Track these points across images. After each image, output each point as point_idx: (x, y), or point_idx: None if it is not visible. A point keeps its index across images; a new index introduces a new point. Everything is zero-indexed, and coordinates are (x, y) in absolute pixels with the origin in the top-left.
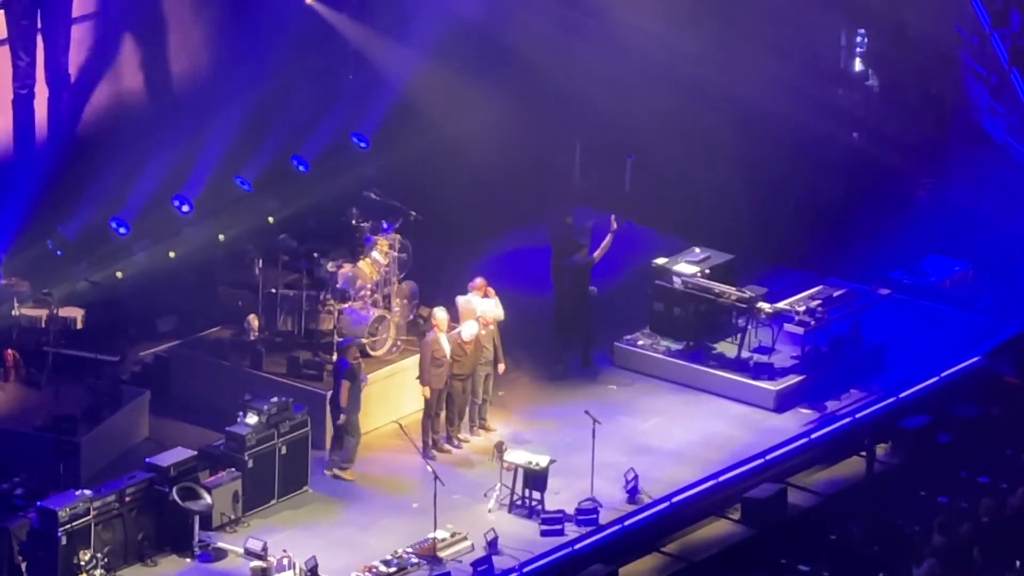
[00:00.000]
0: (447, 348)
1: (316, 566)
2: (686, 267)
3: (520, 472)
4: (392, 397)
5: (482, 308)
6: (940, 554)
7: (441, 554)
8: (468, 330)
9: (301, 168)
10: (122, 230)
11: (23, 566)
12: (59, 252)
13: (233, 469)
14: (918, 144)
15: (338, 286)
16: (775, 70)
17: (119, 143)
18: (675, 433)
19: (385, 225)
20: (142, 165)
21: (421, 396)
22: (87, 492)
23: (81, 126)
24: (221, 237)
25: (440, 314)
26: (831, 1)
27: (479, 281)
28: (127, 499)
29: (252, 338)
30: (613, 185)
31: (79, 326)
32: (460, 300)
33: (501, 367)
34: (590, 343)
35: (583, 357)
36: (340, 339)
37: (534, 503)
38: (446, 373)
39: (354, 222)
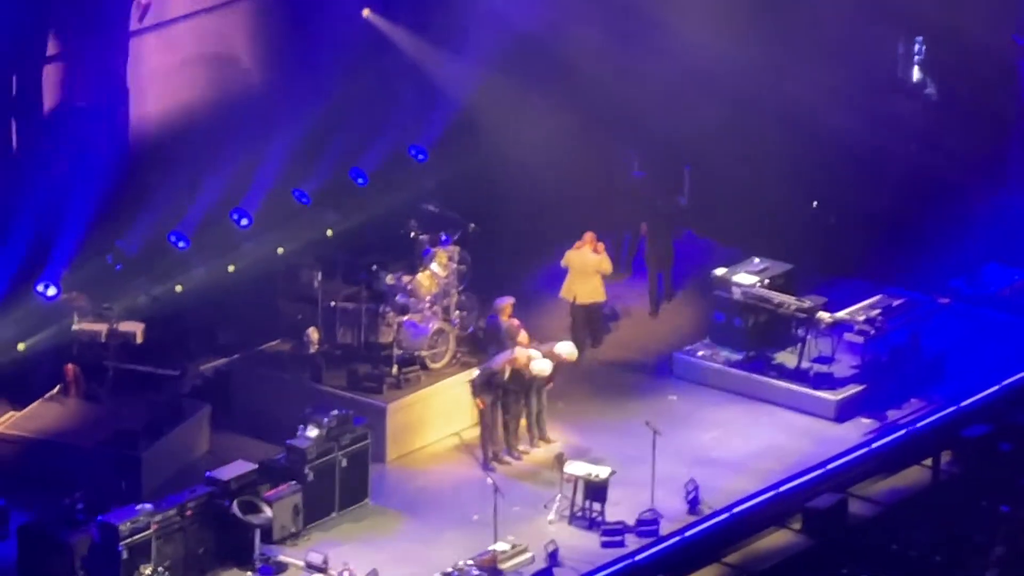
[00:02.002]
0: (507, 376)
1: None
2: (746, 277)
3: (580, 484)
4: (452, 409)
5: (566, 350)
6: (1002, 563)
7: (502, 566)
8: (543, 368)
9: (359, 181)
10: (181, 244)
11: None
12: (118, 267)
13: (294, 482)
14: (976, 153)
15: (397, 299)
16: (832, 80)
17: (177, 157)
18: (735, 444)
19: (444, 237)
20: (201, 179)
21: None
22: (148, 506)
23: (139, 141)
24: (280, 250)
25: (522, 355)
26: (888, 10)
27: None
28: (188, 513)
29: (312, 351)
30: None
31: (139, 340)
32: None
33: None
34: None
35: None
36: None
37: (594, 515)
38: (497, 389)
39: (413, 234)
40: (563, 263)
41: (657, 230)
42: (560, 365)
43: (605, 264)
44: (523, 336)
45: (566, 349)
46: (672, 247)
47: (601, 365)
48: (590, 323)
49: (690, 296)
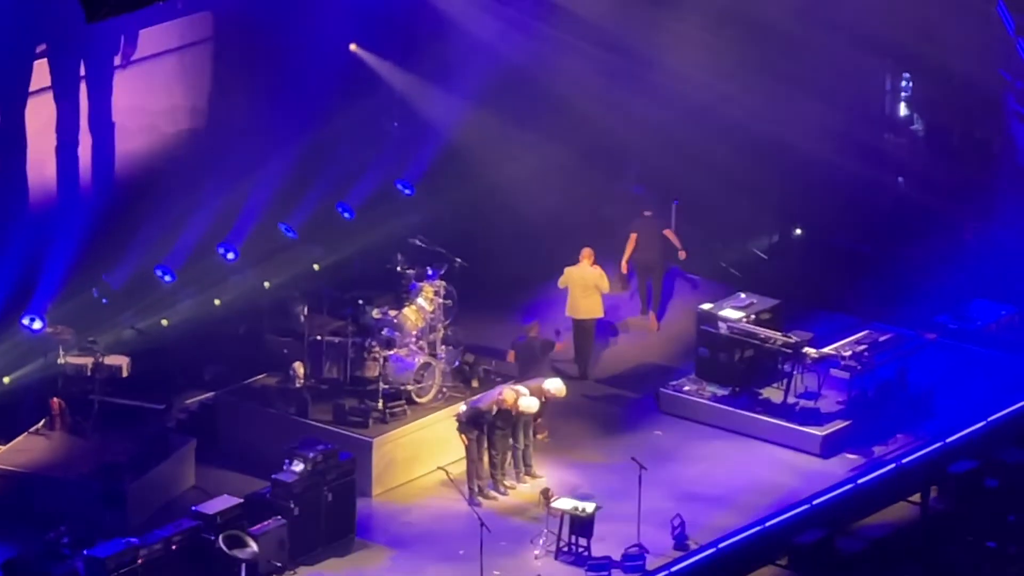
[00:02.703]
0: (494, 414)
1: None
2: (732, 312)
3: (566, 518)
4: (438, 444)
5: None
6: None
7: None
8: (530, 406)
9: (346, 215)
10: (167, 278)
11: None
12: (104, 300)
13: (279, 517)
14: (963, 188)
15: (383, 333)
16: (820, 115)
17: (164, 191)
18: (721, 479)
19: (430, 272)
20: (187, 213)
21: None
22: (133, 540)
23: (125, 174)
24: (266, 284)
25: (509, 398)
26: (876, 46)
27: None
28: (173, 547)
29: (298, 385)
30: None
31: (125, 374)
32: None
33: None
34: None
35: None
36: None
37: (581, 549)
38: (482, 426)
39: (399, 269)
40: (561, 282)
41: (647, 239)
42: (548, 401)
43: (603, 281)
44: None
45: (554, 386)
46: (661, 256)
47: (587, 400)
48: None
49: (676, 331)
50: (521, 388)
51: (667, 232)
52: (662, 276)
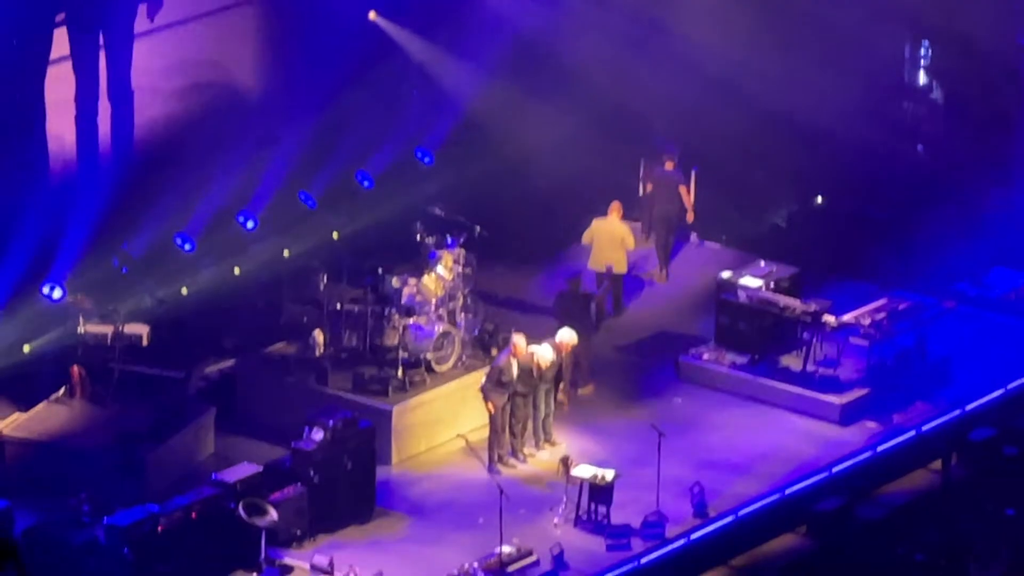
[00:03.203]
0: (515, 372)
1: None
2: (751, 280)
3: (586, 486)
4: (457, 412)
5: (565, 337)
6: (1006, 566)
7: (507, 569)
8: (545, 355)
9: (365, 184)
10: (187, 247)
11: None
12: (124, 269)
13: (299, 484)
14: (982, 156)
15: (403, 302)
16: (839, 84)
17: (183, 160)
18: (741, 446)
19: (449, 240)
20: (207, 182)
21: (486, 411)
22: (153, 508)
23: (145, 143)
24: (286, 253)
25: (520, 341)
26: (895, 15)
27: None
28: (193, 515)
29: (317, 354)
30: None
31: (144, 343)
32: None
33: (588, 388)
34: None
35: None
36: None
37: (600, 517)
38: (508, 390)
39: (419, 237)
40: (586, 237)
41: (664, 192)
42: (567, 359)
43: (630, 237)
44: (520, 347)
45: (565, 336)
46: (678, 211)
47: (607, 367)
48: (615, 292)
49: (696, 299)
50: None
51: (681, 189)
52: (675, 231)
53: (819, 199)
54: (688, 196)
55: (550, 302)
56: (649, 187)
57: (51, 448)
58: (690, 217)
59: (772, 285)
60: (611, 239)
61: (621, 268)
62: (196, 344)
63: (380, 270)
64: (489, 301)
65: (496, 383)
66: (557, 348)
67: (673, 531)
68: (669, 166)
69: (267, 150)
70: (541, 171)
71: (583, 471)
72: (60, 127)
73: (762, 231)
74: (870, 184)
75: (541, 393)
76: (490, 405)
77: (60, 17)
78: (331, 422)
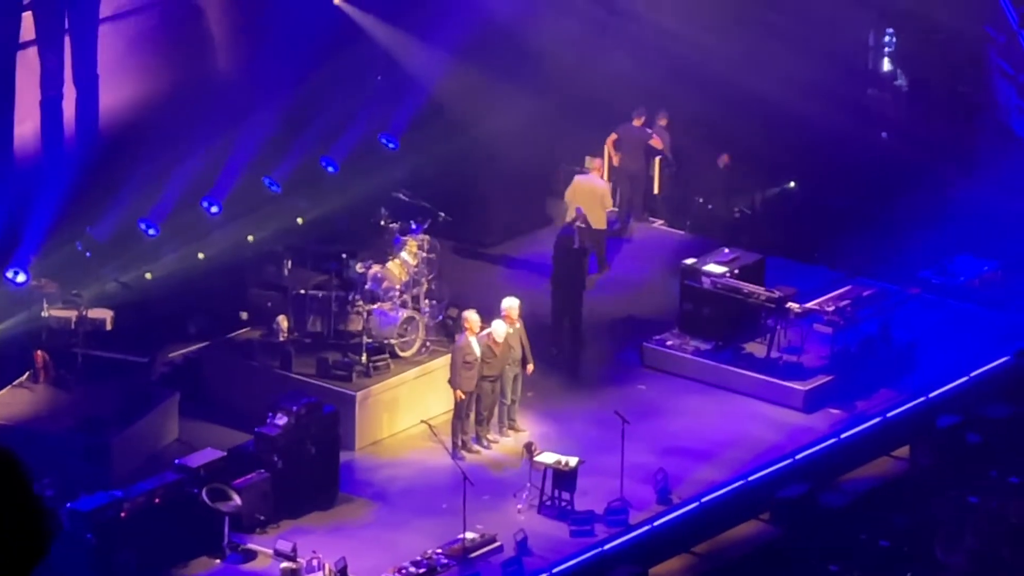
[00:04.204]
0: (478, 351)
1: (346, 567)
2: (715, 267)
3: (550, 473)
4: (421, 398)
5: (508, 304)
6: (969, 555)
7: (471, 555)
8: (498, 330)
9: (330, 169)
10: (151, 231)
11: None
12: (88, 254)
13: (263, 470)
14: (946, 143)
15: (367, 287)
16: (803, 70)
17: (148, 145)
18: (704, 433)
19: (414, 226)
20: (171, 167)
21: (450, 397)
22: (117, 493)
23: (109, 128)
24: (250, 238)
25: (472, 316)
26: (860, 1)
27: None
28: (157, 500)
29: (281, 339)
30: (630, 191)
31: (109, 327)
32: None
33: (530, 367)
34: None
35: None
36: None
37: (563, 503)
38: (476, 375)
39: (383, 223)
40: (568, 194)
41: (630, 147)
42: (519, 328)
43: (608, 198)
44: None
45: (506, 303)
46: (645, 168)
47: (570, 354)
48: (597, 251)
49: (660, 286)
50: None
51: (654, 140)
52: (641, 189)
53: (791, 184)
54: (660, 142)
55: (514, 286)
56: (611, 138)
57: (15, 432)
58: (660, 146)
59: (736, 272)
60: (591, 196)
61: (599, 224)
62: (160, 329)
63: (344, 255)
64: (453, 286)
65: (461, 365)
66: (505, 318)
67: (637, 517)
68: (637, 123)
69: (231, 135)
70: (506, 155)
71: (547, 457)
72: (25, 111)
73: (727, 217)
74: (834, 171)
75: (509, 379)
76: (459, 393)
77: (26, 0)
78: (295, 407)
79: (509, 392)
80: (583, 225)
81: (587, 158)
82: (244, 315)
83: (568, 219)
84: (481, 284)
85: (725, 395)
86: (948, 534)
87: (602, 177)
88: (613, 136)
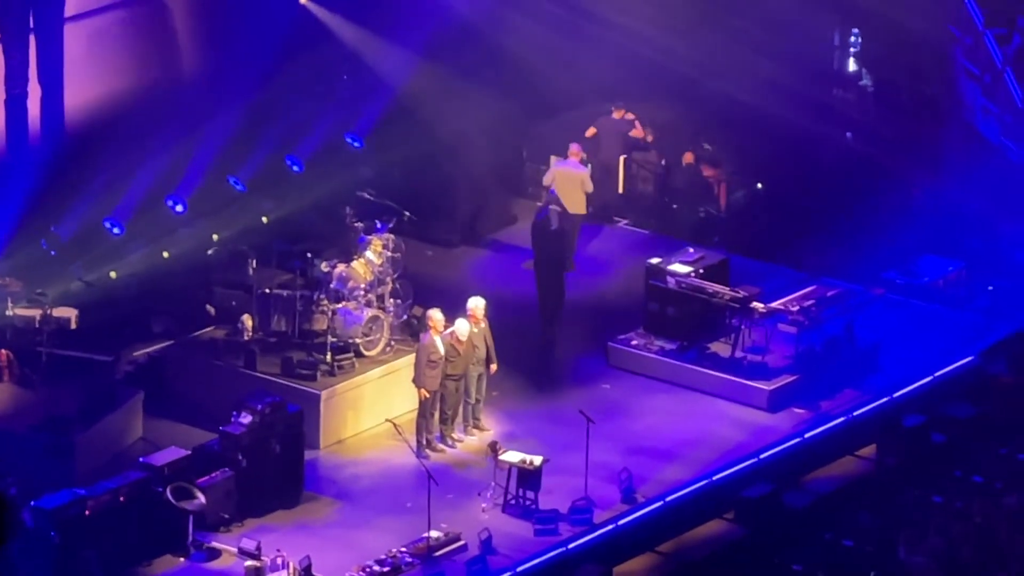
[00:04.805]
0: (442, 349)
1: (310, 565)
2: (680, 267)
3: (514, 471)
4: (386, 397)
5: (473, 303)
6: (933, 554)
7: (435, 554)
8: (462, 329)
9: (295, 168)
10: (116, 230)
11: None
12: (53, 252)
13: (227, 469)
14: (911, 144)
15: (332, 286)
16: (768, 70)
17: (113, 143)
18: (669, 433)
19: (379, 225)
20: (136, 165)
21: (415, 396)
22: (81, 491)
23: (74, 126)
24: (215, 237)
25: (436, 315)
26: (825, 1)
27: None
28: (121, 498)
29: (246, 338)
30: (607, 186)
31: (73, 326)
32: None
33: (493, 367)
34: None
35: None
36: None
37: (528, 502)
38: (440, 374)
39: (348, 222)
40: (547, 179)
41: (608, 140)
42: (483, 328)
43: (588, 182)
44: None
45: (471, 303)
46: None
47: (535, 353)
48: (572, 235)
49: (624, 285)
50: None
51: (635, 130)
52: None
53: (759, 185)
54: (640, 131)
55: (479, 286)
56: (591, 131)
57: None
58: (643, 134)
59: (701, 271)
60: (570, 181)
61: (579, 209)
62: (125, 328)
63: (309, 254)
64: (418, 285)
65: (426, 364)
66: (470, 318)
67: (601, 517)
68: (617, 115)
69: (197, 133)
70: (470, 155)
71: (511, 456)
72: None
73: (692, 217)
74: (799, 171)
75: (473, 378)
76: (423, 392)
77: None
78: (259, 406)
79: (473, 391)
80: (558, 208)
81: (571, 145)
82: (211, 308)
83: (542, 203)
84: (446, 283)
85: (690, 395)
86: (911, 535)
87: (580, 162)
88: (592, 130)
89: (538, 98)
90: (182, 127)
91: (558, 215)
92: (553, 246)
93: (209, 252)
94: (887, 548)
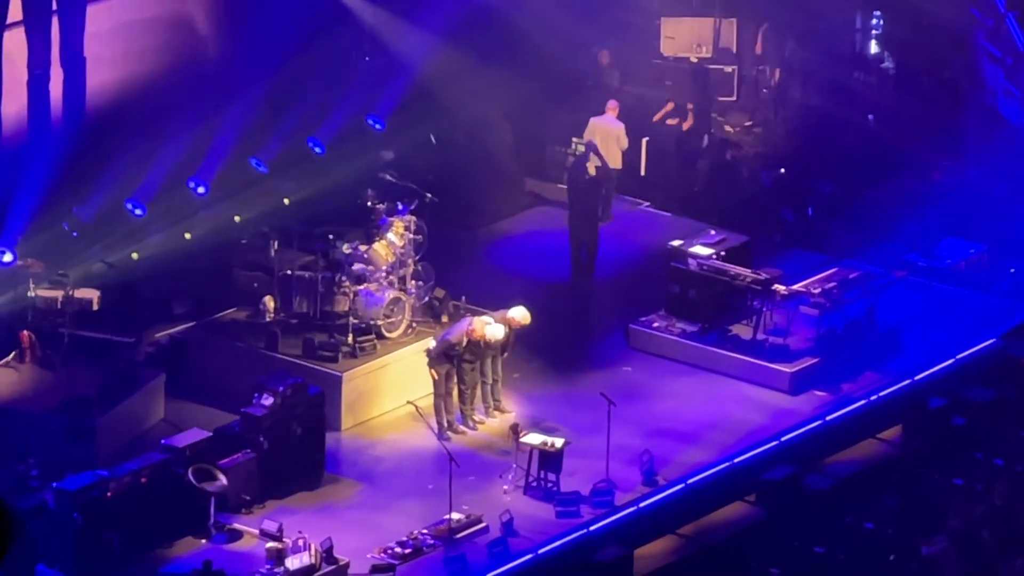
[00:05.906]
0: (464, 347)
1: (331, 547)
2: (702, 249)
3: (535, 454)
4: (407, 379)
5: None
6: (953, 536)
7: (457, 536)
8: (495, 333)
9: (317, 150)
10: (138, 212)
11: None
12: (75, 234)
13: (248, 450)
14: (933, 126)
15: (353, 268)
16: (790, 53)
17: (135, 125)
18: (690, 415)
19: (400, 207)
20: (158, 147)
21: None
22: (103, 473)
23: (96, 108)
24: (237, 219)
25: (479, 327)
26: None
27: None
28: (143, 480)
29: (267, 320)
30: (631, 168)
31: (95, 308)
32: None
33: (505, 354)
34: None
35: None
36: None
37: (549, 485)
38: (453, 361)
39: (370, 204)
40: (587, 134)
41: (601, 139)
42: (514, 331)
43: (624, 137)
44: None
45: (519, 314)
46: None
47: (556, 335)
48: (606, 196)
49: (646, 267)
50: (486, 318)
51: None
52: (613, 180)
53: (782, 170)
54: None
55: (499, 268)
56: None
57: (0, 413)
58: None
59: (723, 254)
60: (607, 135)
61: (616, 164)
62: (146, 309)
63: (331, 236)
64: (439, 268)
65: (442, 353)
66: (507, 322)
67: (622, 499)
68: (612, 112)
69: (218, 115)
70: (492, 137)
71: (532, 439)
72: (11, 92)
73: (714, 200)
74: (821, 154)
75: (488, 360)
76: (433, 371)
77: None
78: (281, 388)
79: (489, 372)
80: (598, 163)
81: (609, 101)
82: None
83: (579, 154)
84: (467, 265)
85: (711, 377)
86: (932, 518)
87: (616, 116)
88: (613, 105)
89: (559, 80)
90: (204, 109)
91: (594, 165)
92: (588, 195)
93: (244, 242)
94: (908, 530)
